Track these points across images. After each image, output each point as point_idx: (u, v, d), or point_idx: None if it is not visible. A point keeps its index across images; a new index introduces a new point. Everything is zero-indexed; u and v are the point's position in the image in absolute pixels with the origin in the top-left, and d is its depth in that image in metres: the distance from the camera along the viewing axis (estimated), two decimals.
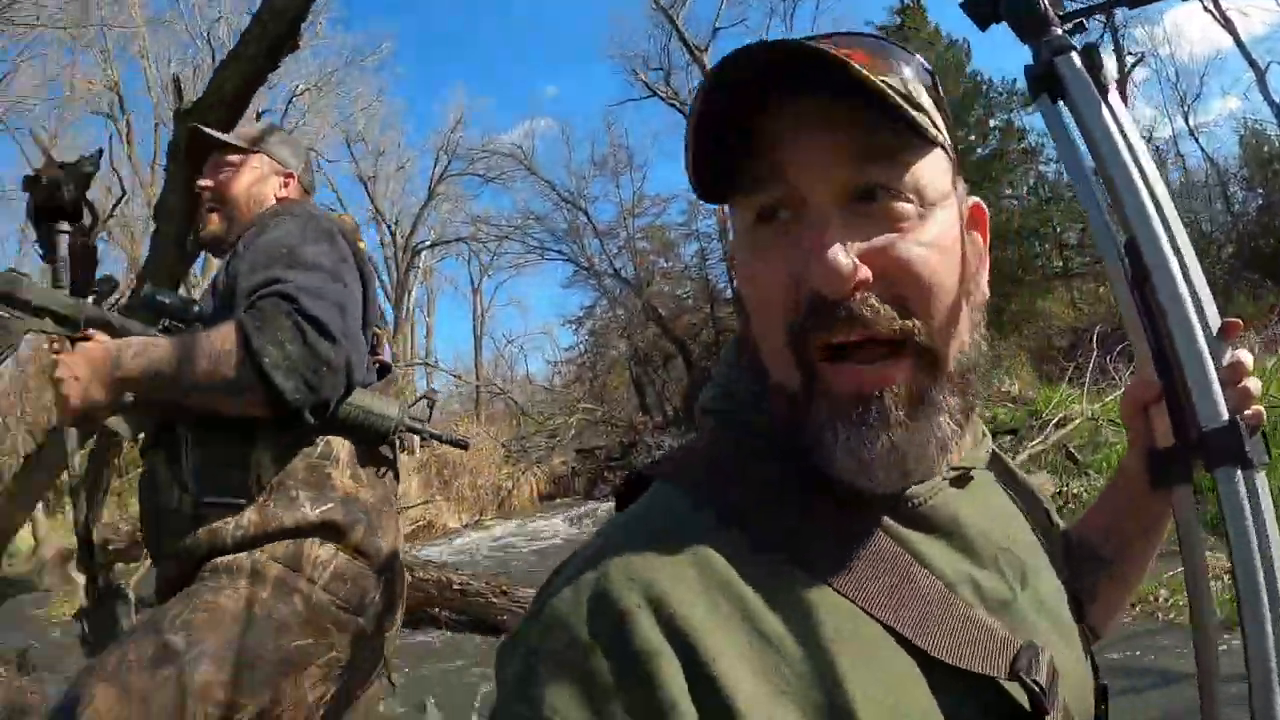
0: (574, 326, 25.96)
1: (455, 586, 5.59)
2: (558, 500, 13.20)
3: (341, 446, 1.41)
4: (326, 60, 23.64)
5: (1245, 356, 0.65)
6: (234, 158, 1.59)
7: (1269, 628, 0.60)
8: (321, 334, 1.26)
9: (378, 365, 1.57)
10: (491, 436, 13.90)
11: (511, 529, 10.62)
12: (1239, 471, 0.63)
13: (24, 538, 6.69)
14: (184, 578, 1.37)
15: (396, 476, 1.55)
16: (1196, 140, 21.39)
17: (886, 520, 0.55)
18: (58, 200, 1.54)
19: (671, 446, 13.92)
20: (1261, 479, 0.64)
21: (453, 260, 30.37)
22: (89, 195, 1.56)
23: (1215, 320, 0.66)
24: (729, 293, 23.28)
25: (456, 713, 4.49)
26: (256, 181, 1.59)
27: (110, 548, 5.99)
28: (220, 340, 1.27)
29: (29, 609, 5.48)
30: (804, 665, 0.48)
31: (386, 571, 1.46)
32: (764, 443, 0.57)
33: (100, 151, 1.61)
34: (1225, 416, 0.63)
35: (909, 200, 0.53)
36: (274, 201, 1.60)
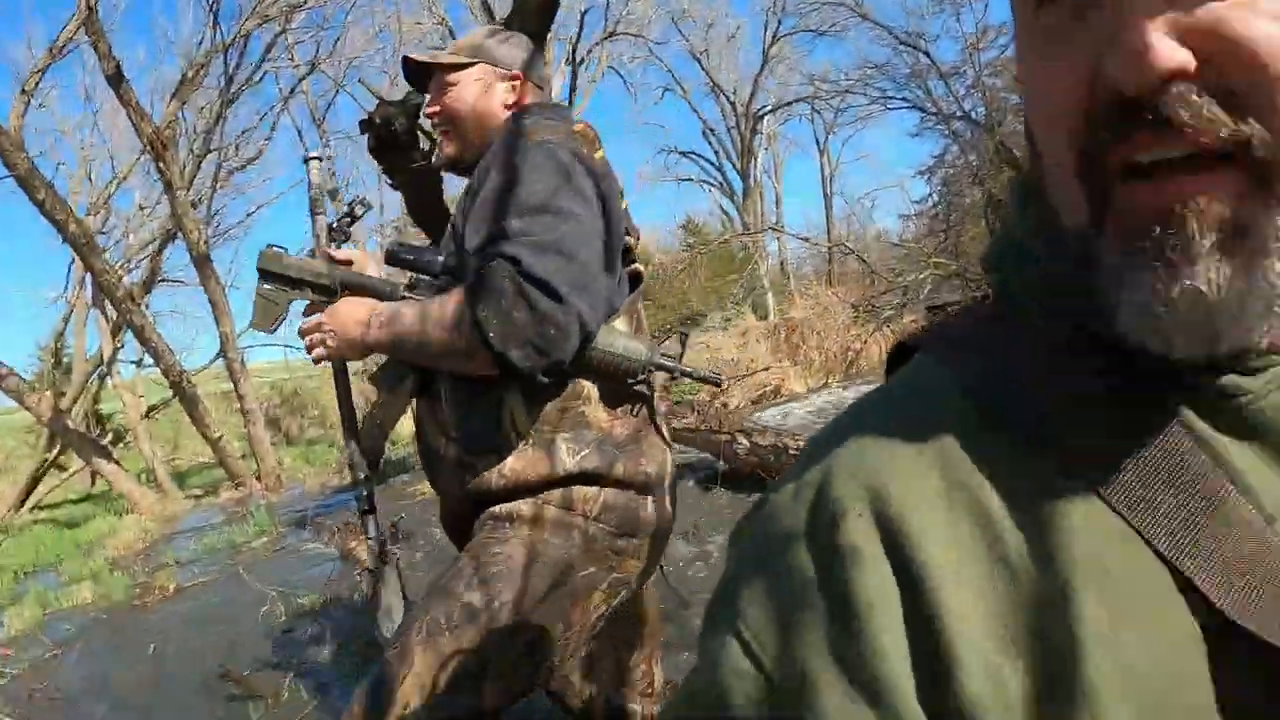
0: (925, 176, 24.43)
1: (792, 451, 5.47)
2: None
3: (591, 387, 1.43)
4: None
5: None
6: (453, 76, 1.56)
7: None
8: (547, 293, 1.25)
9: (630, 276, 1.54)
10: (840, 298, 13.83)
11: (854, 392, 10.66)
12: None
13: (404, 424, 7.86)
14: (463, 516, 1.51)
15: (652, 410, 1.53)
16: None
17: (1190, 417, 0.41)
18: (392, 134, 1.74)
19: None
20: None
21: (796, 122, 29.74)
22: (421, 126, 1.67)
23: None
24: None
25: None
26: (481, 95, 1.55)
27: None
28: (450, 311, 1.32)
29: (403, 486, 6.44)
30: (1047, 611, 0.38)
31: (656, 489, 1.49)
32: (1040, 309, 0.46)
33: None
34: None
35: None
36: (503, 111, 1.56)
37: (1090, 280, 0.41)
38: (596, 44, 22.07)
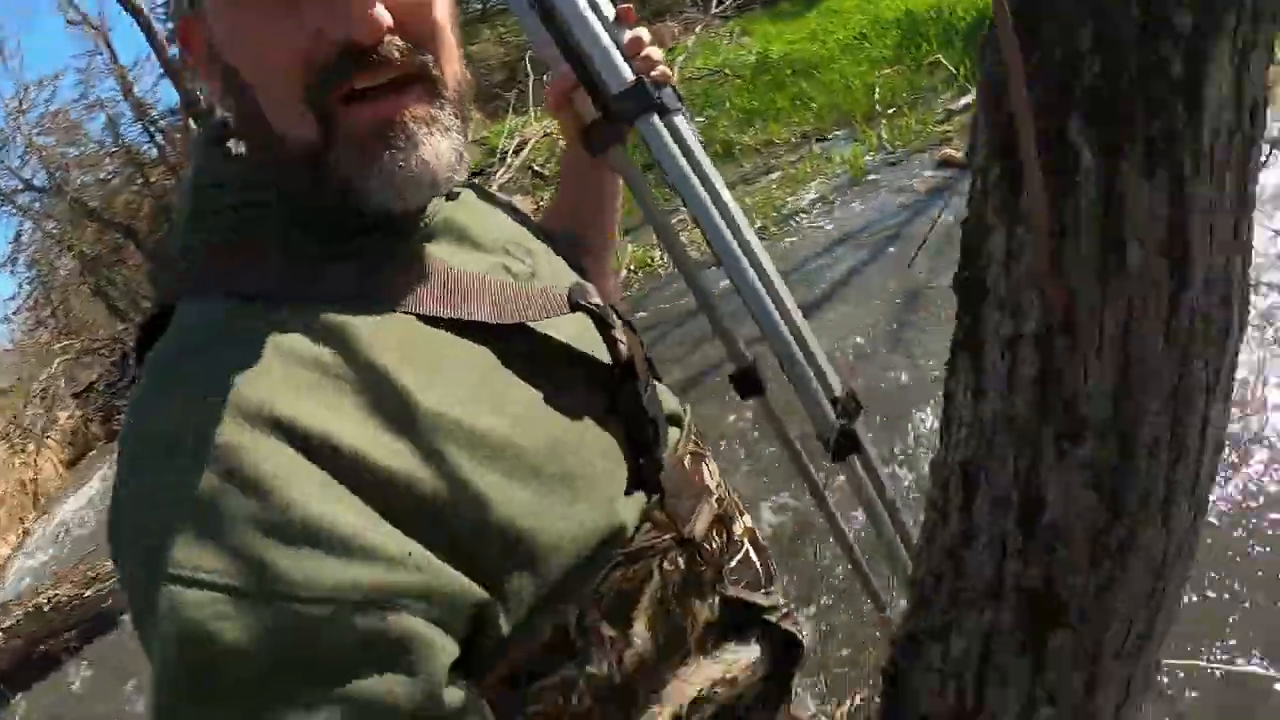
0: (8, 268, 21.33)
1: (48, 608, 4.93)
2: (85, 458, 11.75)
3: None
4: None
5: (642, 33, 0.79)
6: None
7: (721, 226, 0.76)
8: None
9: None
10: None
11: (62, 516, 9.45)
12: (655, 117, 0.77)
13: None
14: None
15: None
16: None
17: (409, 243, 0.62)
18: None
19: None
20: (682, 121, 0.79)
21: None
22: None
23: (610, 10, 0.79)
24: (154, 151, 20.53)
25: None
26: None
27: None
28: None
29: None
30: (391, 391, 0.52)
31: None
32: (261, 225, 0.59)
33: None
34: (630, 78, 0.76)
35: None
36: None
37: (327, 172, 0.56)
38: None
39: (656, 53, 0.79)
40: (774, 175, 6.36)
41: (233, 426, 0.47)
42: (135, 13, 17.85)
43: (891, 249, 4.47)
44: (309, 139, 0.56)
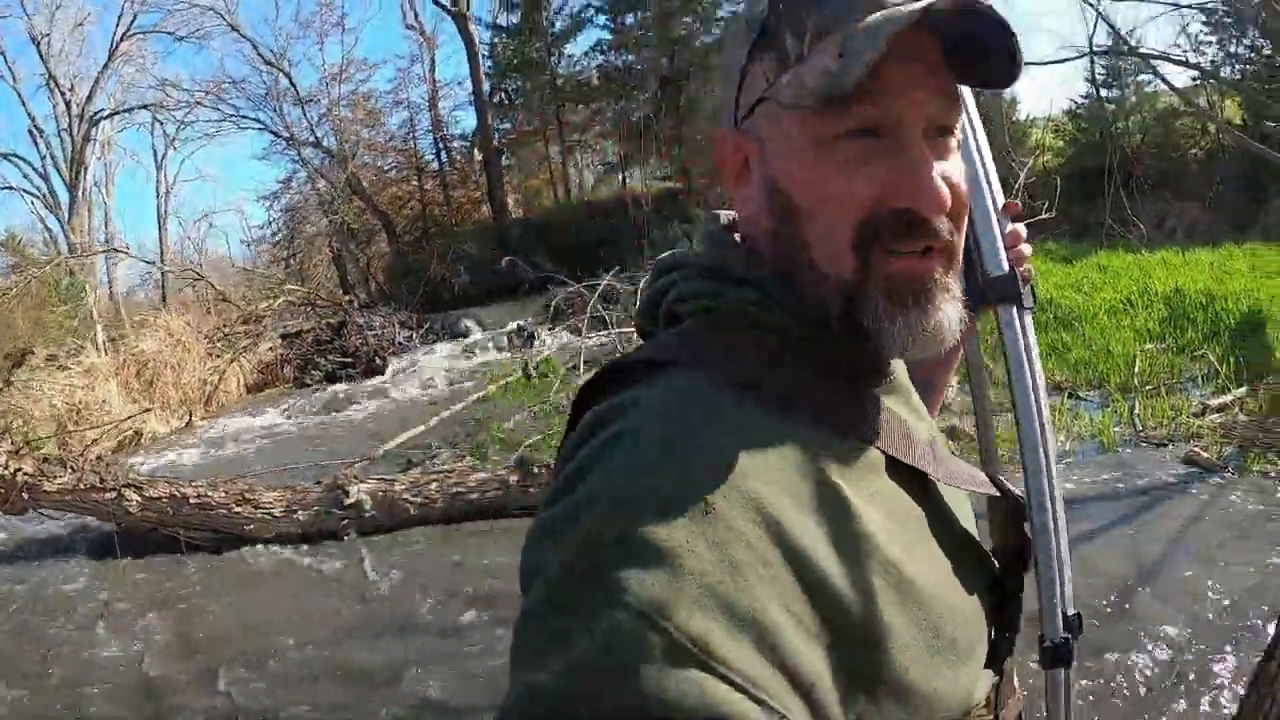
0: (268, 203, 23.87)
1: (193, 501, 5.12)
2: (266, 390, 12.56)
3: None
4: None
5: (1021, 229, 0.88)
6: None
7: (1036, 428, 0.83)
8: None
9: None
10: (191, 326, 12.78)
11: (228, 427, 10.10)
12: (1015, 309, 0.86)
13: None
14: None
15: None
16: None
17: (877, 390, 0.67)
18: None
19: (381, 324, 13.81)
20: (1029, 320, 0.87)
21: (135, 131, 26.29)
22: None
23: (1001, 199, 0.89)
24: (436, 164, 22.53)
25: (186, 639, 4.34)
26: None
27: None
28: None
29: None
30: (850, 513, 0.56)
31: None
32: (780, 332, 0.64)
33: None
34: (1005, 267, 0.86)
35: (956, 138, 0.64)
36: None
37: (856, 310, 0.61)
38: None
39: (1027, 250, 0.88)
40: None
41: (730, 505, 0.51)
42: (467, 40, 19.94)
43: (1129, 530, 4.30)
44: (846, 277, 0.61)
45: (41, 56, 21.87)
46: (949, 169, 0.62)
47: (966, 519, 0.71)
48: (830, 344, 0.64)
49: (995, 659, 0.68)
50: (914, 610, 0.57)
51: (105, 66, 22.38)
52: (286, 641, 4.16)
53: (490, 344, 13.15)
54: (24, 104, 22.83)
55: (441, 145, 22.71)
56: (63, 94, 22.09)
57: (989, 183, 0.89)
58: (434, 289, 18.52)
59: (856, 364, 0.65)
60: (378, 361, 12.77)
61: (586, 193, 22.58)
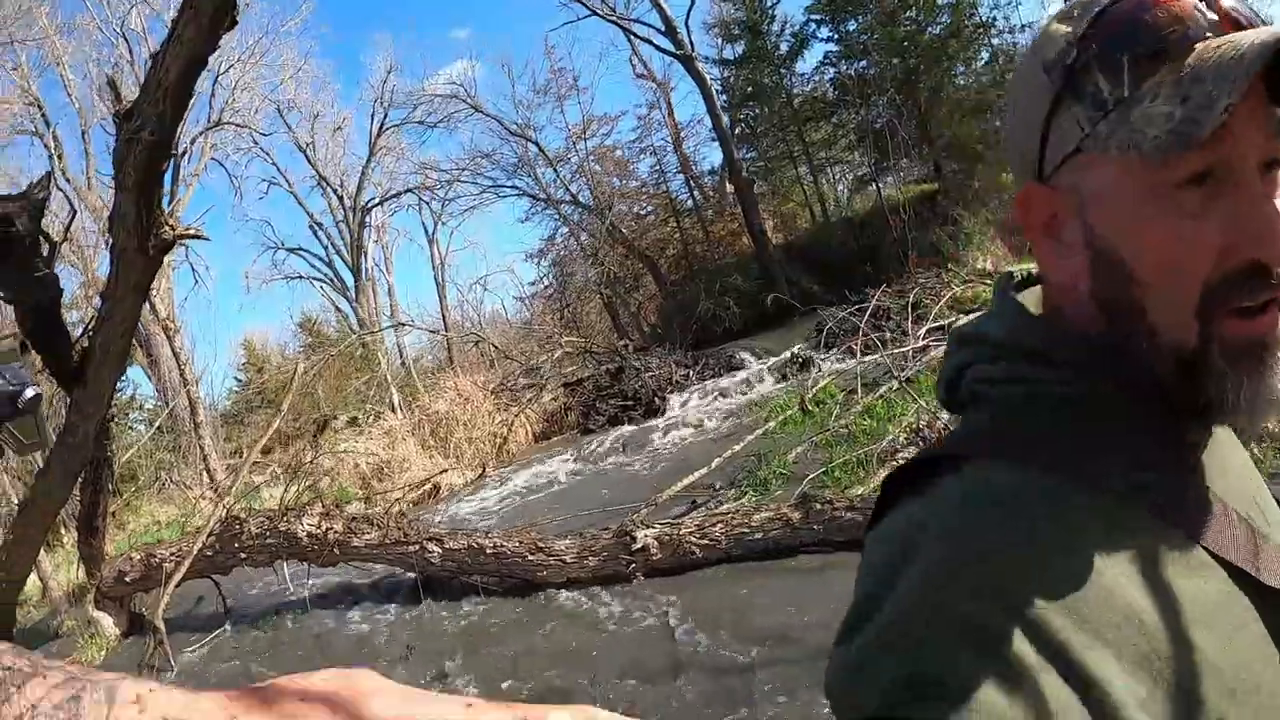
0: (535, 260, 25.72)
1: (489, 551, 5.50)
2: (554, 439, 13.18)
3: None
4: (247, 32, 22.35)
5: None
6: None
7: None
8: None
9: None
10: (478, 385, 13.76)
11: (520, 478, 10.61)
12: None
13: (31, 582, 6.54)
14: None
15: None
16: None
17: (1197, 466, 0.59)
18: (13, 236, 1.40)
19: (658, 364, 14.21)
20: None
21: (404, 213, 29.72)
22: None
23: None
24: (690, 202, 23.20)
25: (490, 677, 4.51)
26: None
27: (126, 579, 5.89)
28: None
29: (53, 658, 5.41)
30: (1166, 640, 0.49)
31: None
32: (1100, 414, 0.58)
33: (49, 175, 1.50)
34: None
35: None
36: None
37: (1197, 380, 0.56)
38: (200, 134, 20.48)
39: None
40: None
41: (1032, 649, 0.47)
42: (698, 80, 20.44)
43: None
44: (1186, 343, 0.56)
45: (310, 161, 25.17)
46: None
47: None
48: (1154, 419, 0.59)
49: None
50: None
51: (368, 160, 25.35)
52: (604, 678, 4.29)
53: (766, 373, 12.93)
54: (301, 204, 26.43)
55: (692, 184, 23.24)
56: (334, 190, 25.23)
57: None
58: (705, 325, 18.94)
59: (1180, 439, 0.59)
60: (658, 401, 13.03)
61: (843, 208, 22.34)
